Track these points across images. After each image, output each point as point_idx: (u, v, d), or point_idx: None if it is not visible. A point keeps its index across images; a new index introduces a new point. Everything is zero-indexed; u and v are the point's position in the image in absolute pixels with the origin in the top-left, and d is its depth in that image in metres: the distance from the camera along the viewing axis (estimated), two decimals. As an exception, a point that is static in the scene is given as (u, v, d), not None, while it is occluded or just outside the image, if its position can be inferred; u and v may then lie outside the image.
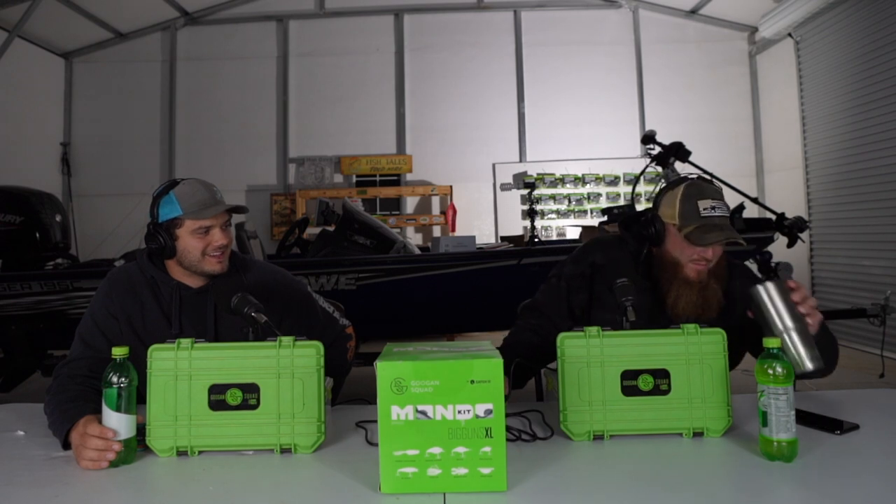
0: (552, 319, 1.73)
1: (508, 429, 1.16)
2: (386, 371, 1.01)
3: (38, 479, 1.12)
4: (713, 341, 1.27)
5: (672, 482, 1.05)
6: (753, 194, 5.48)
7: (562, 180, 6.70)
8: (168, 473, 1.15)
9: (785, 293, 1.36)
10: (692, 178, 1.65)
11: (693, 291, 1.58)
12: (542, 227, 6.52)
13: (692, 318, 1.51)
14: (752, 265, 1.54)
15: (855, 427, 1.27)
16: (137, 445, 1.21)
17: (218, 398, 1.22)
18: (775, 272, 3.41)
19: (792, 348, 1.32)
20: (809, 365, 1.30)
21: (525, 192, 6.57)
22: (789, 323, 1.33)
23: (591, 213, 6.65)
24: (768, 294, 1.36)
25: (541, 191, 6.62)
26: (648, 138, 4.07)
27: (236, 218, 1.64)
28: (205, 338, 1.48)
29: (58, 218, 3.76)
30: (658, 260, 1.66)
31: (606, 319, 1.57)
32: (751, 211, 3.81)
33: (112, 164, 6.87)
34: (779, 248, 3.58)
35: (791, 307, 1.35)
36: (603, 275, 1.70)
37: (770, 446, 1.11)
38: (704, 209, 1.57)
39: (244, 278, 1.61)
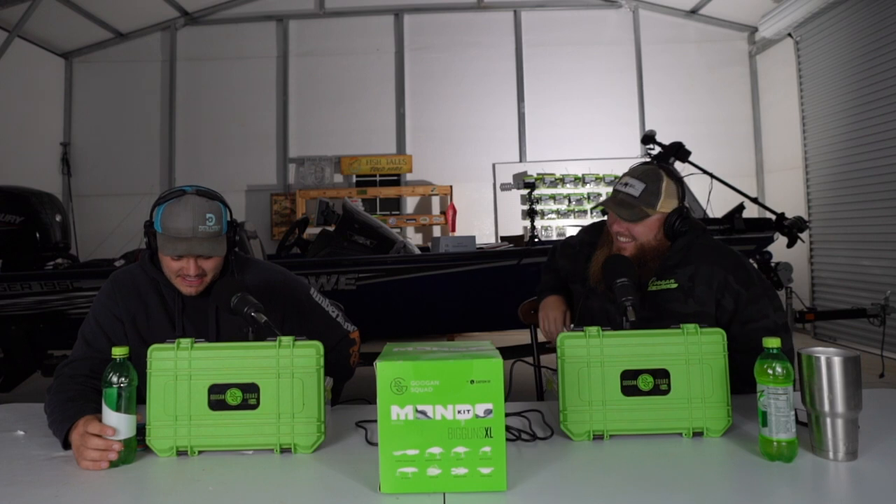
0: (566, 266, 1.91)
1: (508, 429, 1.16)
2: (386, 371, 1.01)
3: (38, 479, 1.12)
4: (713, 341, 1.27)
5: (672, 482, 1.05)
6: (753, 194, 5.49)
7: (562, 180, 6.70)
8: (168, 473, 1.15)
9: (856, 374, 1.13)
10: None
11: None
12: (542, 227, 6.52)
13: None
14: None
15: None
16: (137, 445, 1.21)
17: (218, 398, 1.22)
18: (775, 272, 3.42)
19: (830, 435, 1.12)
20: (842, 457, 1.11)
21: (525, 192, 6.55)
22: (841, 410, 1.11)
23: (591, 213, 6.65)
24: (832, 371, 1.12)
25: (541, 191, 6.61)
26: (648, 138, 4.08)
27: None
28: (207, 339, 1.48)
29: (58, 218, 3.76)
30: None
31: (577, 292, 1.73)
32: (751, 211, 3.82)
33: (112, 164, 6.87)
34: (779, 248, 3.58)
35: (857, 389, 1.12)
36: (583, 253, 1.81)
37: (770, 446, 1.12)
38: (618, 185, 1.66)
39: (244, 279, 1.60)
